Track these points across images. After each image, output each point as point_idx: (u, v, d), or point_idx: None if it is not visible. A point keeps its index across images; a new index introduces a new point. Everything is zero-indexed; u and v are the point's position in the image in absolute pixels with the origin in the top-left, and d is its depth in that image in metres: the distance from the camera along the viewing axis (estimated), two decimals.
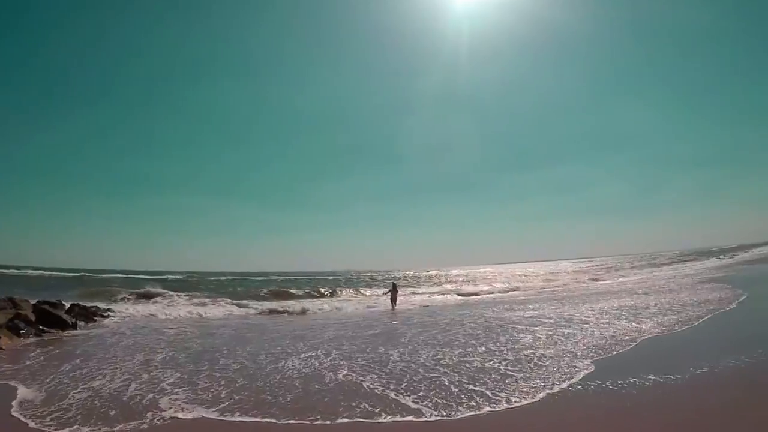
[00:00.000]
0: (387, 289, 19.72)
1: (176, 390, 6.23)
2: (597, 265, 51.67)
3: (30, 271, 38.61)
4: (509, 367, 6.92)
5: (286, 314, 16.20)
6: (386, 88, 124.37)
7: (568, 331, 9.86)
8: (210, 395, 6.03)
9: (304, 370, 7.28)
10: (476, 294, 24.19)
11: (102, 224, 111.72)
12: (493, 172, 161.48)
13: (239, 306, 17.54)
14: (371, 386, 6.27)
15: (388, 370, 7.07)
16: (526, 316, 13.00)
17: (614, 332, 9.41)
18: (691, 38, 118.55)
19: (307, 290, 25.66)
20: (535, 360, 7.34)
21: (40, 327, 11.19)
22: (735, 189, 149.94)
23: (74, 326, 11.94)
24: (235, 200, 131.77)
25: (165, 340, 10.36)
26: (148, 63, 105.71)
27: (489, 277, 40.90)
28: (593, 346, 8.24)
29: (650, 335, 9.05)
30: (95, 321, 13.28)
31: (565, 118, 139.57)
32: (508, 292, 24.82)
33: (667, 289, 18.76)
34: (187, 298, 18.90)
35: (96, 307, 14.38)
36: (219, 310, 16.59)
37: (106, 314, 14.13)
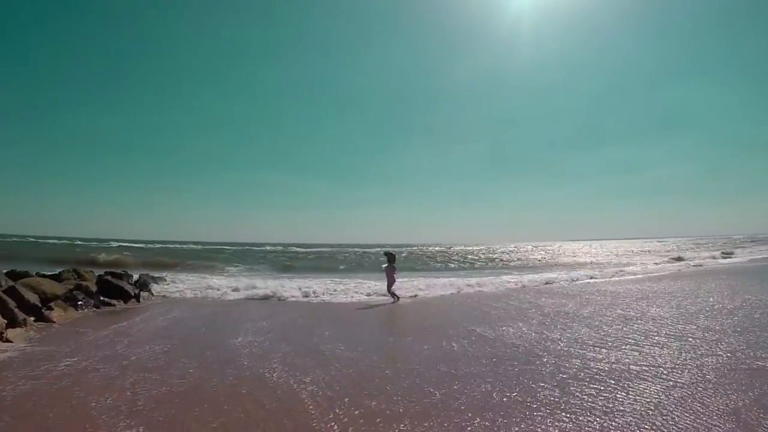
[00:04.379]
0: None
1: None
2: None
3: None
4: None
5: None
6: (447, 66, 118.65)
7: None
8: None
9: None
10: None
11: (174, 199, 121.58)
12: (557, 151, 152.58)
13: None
14: None
15: None
16: None
17: None
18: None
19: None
20: None
21: (101, 298, 9.93)
22: None
23: (137, 298, 10.53)
24: (301, 175, 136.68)
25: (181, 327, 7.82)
26: (213, 45, 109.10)
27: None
28: None
29: None
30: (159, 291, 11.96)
31: (632, 96, 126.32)
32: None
33: None
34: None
35: (163, 278, 13.17)
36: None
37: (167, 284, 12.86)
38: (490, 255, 40.58)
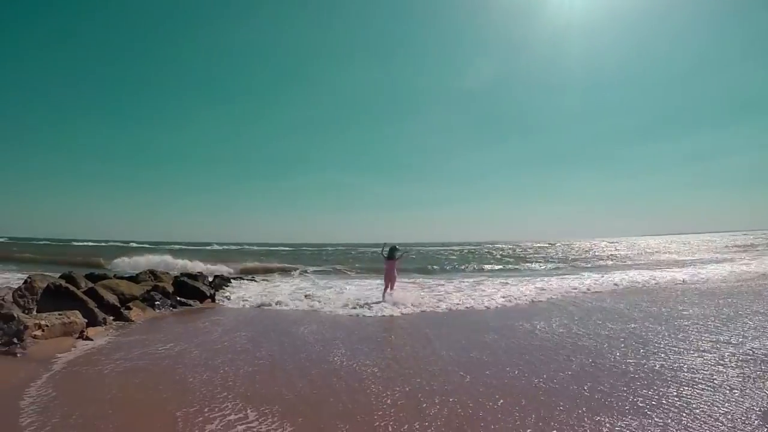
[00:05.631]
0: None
1: None
2: None
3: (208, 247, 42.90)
4: None
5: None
6: (508, 60, 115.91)
7: None
8: None
9: None
10: None
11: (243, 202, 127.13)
12: (621, 143, 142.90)
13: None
14: None
15: None
16: None
17: None
18: None
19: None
20: None
21: (178, 299, 10.15)
22: None
23: (212, 298, 10.76)
24: (362, 176, 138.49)
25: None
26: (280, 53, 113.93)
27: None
28: None
29: None
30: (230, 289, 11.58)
31: (700, 80, 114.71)
32: None
33: None
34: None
35: (237, 279, 12.79)
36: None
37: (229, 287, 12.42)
38: (570, 253, 36.67)
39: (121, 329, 7.42)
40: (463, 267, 22.95)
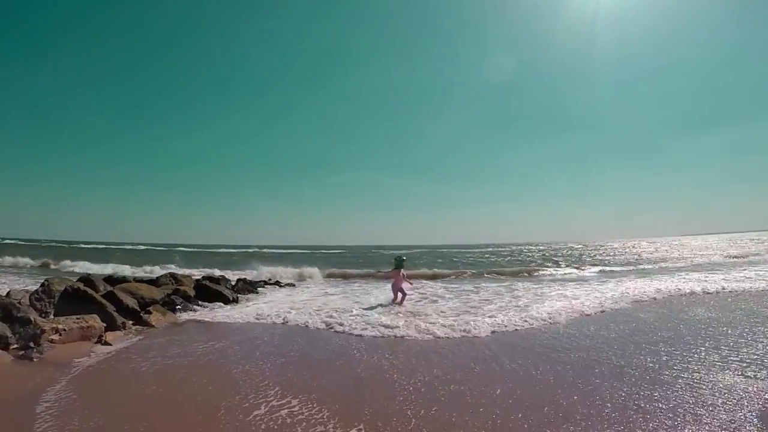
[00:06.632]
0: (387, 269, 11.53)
1: None
2: None
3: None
4: None
5: None
6: (531, 55, 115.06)
7: None
8: None
9: None
10: None
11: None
12: (664, 135, 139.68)
13: None
14: None
15: None
16: None
17: None
18: None
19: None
20: None
21: (199, 302, 10.22)
22: None
23: (236, 301, 10.91)
24: (393, 175, 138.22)
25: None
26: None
27: None
28: None
29: None
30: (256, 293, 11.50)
31: (742, 68, 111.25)
32: None
33: None
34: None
35: (264, 282, 12.62)
36: None
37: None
38: (609, 255, 34.14)
39: (140, 334, 7.28)
40: (489, 272, 21.65)
